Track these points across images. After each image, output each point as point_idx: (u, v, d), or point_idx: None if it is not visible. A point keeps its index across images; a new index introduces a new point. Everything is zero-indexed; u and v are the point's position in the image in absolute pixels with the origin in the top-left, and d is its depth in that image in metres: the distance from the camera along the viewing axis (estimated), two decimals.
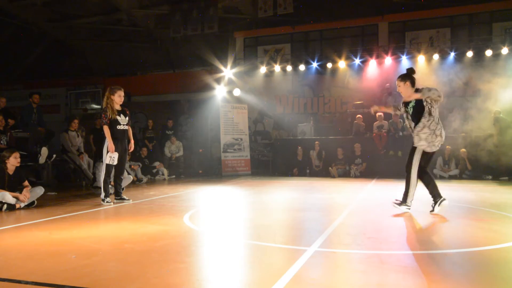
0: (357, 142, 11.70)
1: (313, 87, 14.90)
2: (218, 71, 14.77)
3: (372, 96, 13.41)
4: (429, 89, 4.87)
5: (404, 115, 5.27)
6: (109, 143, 6.09)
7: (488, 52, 12.19)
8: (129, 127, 6.51)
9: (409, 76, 5.08)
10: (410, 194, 5.10)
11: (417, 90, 5.00)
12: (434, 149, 4.97)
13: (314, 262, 3.08)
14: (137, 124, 15.39)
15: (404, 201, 5.19)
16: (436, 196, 5.04)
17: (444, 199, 5.01)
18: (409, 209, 5.19)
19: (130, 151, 6.57)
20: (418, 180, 5.08)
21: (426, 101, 4.89)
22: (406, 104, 5.18)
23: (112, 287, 2.55)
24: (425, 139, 4.92)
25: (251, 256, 3.37)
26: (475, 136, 10.75)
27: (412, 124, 5.07)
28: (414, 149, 5.05)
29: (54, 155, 9.38)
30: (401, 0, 14.18)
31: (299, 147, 12.17)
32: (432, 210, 5.08)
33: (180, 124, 16.02)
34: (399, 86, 5.11)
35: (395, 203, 5.26)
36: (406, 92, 5.07)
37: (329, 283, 2.62)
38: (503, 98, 11.06)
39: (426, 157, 5.03)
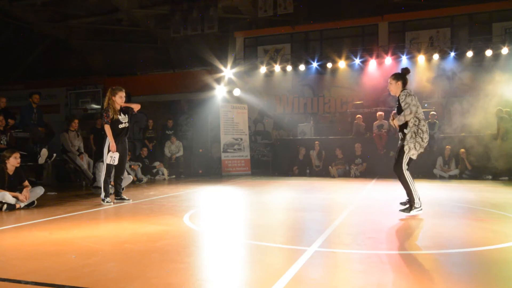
0: (357, 142, 11.70)
1: (313, 87, 14.90)
2: (218, 71, 14.78)
3: (372, 96, 13.43)
4: (405, 109, 4.83)
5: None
6: (110, 142, 6.11)
7: (488, 52, 12.19)
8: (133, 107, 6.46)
9: (403, 76, 5.05)
10: (413, 193, 4.92)
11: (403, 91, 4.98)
12: (420, 150, 4.91)
13: (314, 262, 3.08)
14: (137, 124, 15.40)
15: (411, 205, 4.95)
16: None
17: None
18: (421, 210, 4.94)
19: (135, 109, 6.49)
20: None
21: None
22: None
23: (112, 287, 2.55)
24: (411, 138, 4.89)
25: (251, 256, 3.37)
26: (475, 136, 10.75)
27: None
28: (401, 149, 4.99)
29: (54, 155, 9.39)
30: (401, 0, 14.18)
31: (303, 147, 12.16)
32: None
33: (180, 124, 16.02)
34: (391, 84, 5.10)
35: (403, 212, 4.97)
36: (395, 91, 5.07)
37: (329, 283, 2.62)
38: (503, 98, 11.06)
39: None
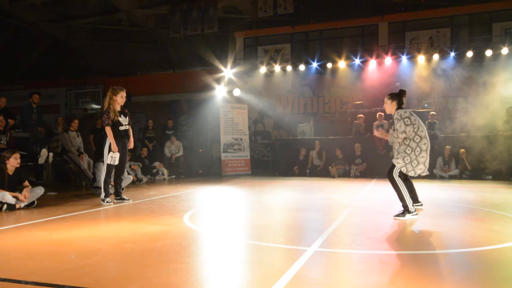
0: (357, 142, 11.70)
1: (313, 87, 14.91)
2: (218, 71, 14.78)
3: (372, 96, 13.43)
4: (396, 128, 4.90)
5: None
6: (111, 143, 6.11)
7: (488, 52, 12.18)
8: (130, 127, 6.54)
9: (399, 97, 5.07)
10: (406, 198, 4.85)
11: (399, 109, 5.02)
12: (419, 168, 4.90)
13: (314, 262, 3.08)
14: (137, 124, 15.39)
15: (406, 209, 4.86)
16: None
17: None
18: (416, 215, 4.85)
19: (130, 147, 6.57)
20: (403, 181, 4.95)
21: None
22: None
23: (112, 287, 2.55)
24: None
25: (251, 256, 3.38)
26: (475, 136, 10.75)
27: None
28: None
29: (51, 154, 9.38)
30: (401, 0, 14.18)
31: (303, 148, 12.16)
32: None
33: (180, 124, 16.02)
34: (386, 103, 5.15)
35: (397, 217, 4.87)
36: (390, 110, 5.13)
37: (329, 283, 2.62)
38: (504, 98, 11.05)
39: None
